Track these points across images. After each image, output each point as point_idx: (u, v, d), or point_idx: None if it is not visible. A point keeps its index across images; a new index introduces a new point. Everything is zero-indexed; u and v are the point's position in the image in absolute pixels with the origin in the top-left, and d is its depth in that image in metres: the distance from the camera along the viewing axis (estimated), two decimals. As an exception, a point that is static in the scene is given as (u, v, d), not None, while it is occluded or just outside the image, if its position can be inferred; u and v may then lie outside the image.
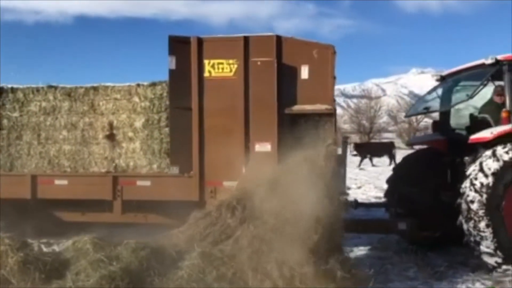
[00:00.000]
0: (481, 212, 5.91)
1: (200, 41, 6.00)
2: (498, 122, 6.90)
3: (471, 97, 6.87)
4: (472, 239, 5.99)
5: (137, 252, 4.54)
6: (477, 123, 7.55)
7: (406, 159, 8.03)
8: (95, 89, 6.28)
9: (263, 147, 5.83)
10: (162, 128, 6.16)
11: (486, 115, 7.27)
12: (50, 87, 6.38)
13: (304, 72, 5.92)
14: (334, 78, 5.93)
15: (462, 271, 5.92)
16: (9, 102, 6.46)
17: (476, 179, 6.03)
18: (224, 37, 6.11)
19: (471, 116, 7.82)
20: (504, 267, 5.87)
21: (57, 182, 6.25)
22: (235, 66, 5.97)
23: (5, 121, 6.48)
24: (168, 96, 6.03)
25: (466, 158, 7.02)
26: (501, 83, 7.06)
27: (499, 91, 7.17)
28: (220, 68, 6.01)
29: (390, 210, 7.68)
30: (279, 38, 5.93)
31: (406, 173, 7.84)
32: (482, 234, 5.86)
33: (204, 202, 6.04)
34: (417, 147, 8.67)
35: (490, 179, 5.90)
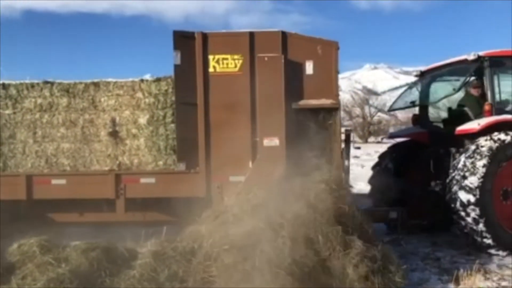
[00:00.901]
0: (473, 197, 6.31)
1: (204, 36, 5.99)
2: (476, 114, 7.38)
3: (457, 90, 7.29)
4: (463, 223, 6.41)
5: (87, 253, 4.53)
6: (455, 116, 8.04)
7: (390, 150, 8.38)
8: (95, 85, 6.08)
9: (272, 141, 5.91)
10: (168, 124, 6.08)
11: (465, 108, 7.73)
12: (46, 82, 6.11)
13: (309, 68, 6.05)
14: (338, 73, 6.12)
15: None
16: (1, 99, 6.13)
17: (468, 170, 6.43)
18: (229, 32, 6.12)
19: (449, 109, 8.31)
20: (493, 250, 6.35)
21: (54, 181, 6.03)
22: (240, 61, 6.00)
23: (-4, 119, 6.16)
24: (174, 91, 5.97)
25: (452, 149, 7.46)
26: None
27: (475, 85, 7.66)
28: (225, 64, 6.02)
29: (376, 197, 7.96)
30: (284, 34, 6.02)
31: (392, 164, 8.21)
32: (474, 217, 6.28)
33: (210, 198, 6.05)
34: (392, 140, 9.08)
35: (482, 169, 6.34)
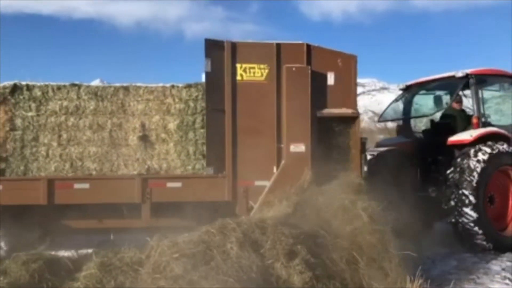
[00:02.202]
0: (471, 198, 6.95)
1: (233, 45, 6.19)
2: (459, 126, 8.14)
3: (450, 105, 8.01)
4: (460, 226, 7.05)
5: (28, 265, 4.37)
6: (438, 127, 8.78)
7: (377, 157, 8.93)
8: (125, 89, 6.06)
9: (298, 147, 6.20)
10: (197, 130, 6.19)
11: (448, 120, 8.48)
12: (73, 85, 6.00)
13: (330, 79, 6.43)
14: (356, 84, 6.55)
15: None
16: (24, 101, 5.94)
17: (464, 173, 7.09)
18: (257, 42, 6.35)
19: (432, 121, 9.04)
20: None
21: (77, 186, 5.92)
22: (266, 71, 6.27)
23: (18, 121, 5.93)
24: (205, 98, 6.10)
25: (439, 157, 8.14)
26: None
27: (457, 99, 8.45)
28: (251, 72, 6.25)
29: None
30: (308, 46, 6.36)
31: (379, 171, 8.76)
32: (471, 217, 6.93)
33: (236, 202, 6.22)
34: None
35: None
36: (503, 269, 6.21)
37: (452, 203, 7.08)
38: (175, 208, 6.20)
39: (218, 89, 6.13)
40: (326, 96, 6.41)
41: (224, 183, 6.17)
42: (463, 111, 8.52)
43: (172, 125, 6.12)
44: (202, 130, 6.18)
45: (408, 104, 9.04)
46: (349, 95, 6.50)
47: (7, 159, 5.92)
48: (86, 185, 5.92)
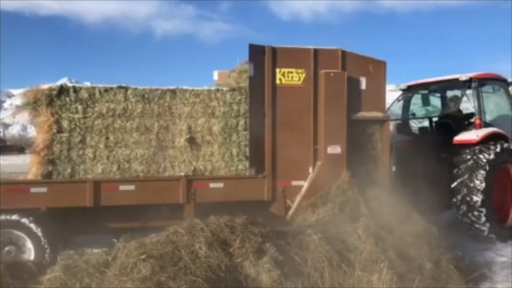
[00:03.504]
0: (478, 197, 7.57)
1: (274, 51, 6.41)
2: (458, 126, 8.77)
3: (457, 106, 8.59)
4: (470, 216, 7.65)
5: None
6: (437, 126, 9.39)
7: None
8: (172, 92, 6.13)
9: (334, 149, 6.53)
10: (240, 132, 6.36)
11: (447, 120, 9.10)
12: (120, 87, 5.99)
13: (363, 83, 6.79)
14: (385, 89, 6.95)
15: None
16: (70, 103, 5.87)
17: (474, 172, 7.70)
18: (295, 48, 6.58)
19: (431, 120, 9.63)
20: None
21: (122, 187, 5.96)
22: (303, 75, 6.53)
23: (65, 123, 5.86)
24: (248, 101, 6.28)
25: (443, 154, 8.73)
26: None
27: (455, 100, 9.07)
28: (289, 77, 6.51)
29: None
30: (343, 52, 6.67)
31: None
32: (479, 209, 7.55)
33: (275, 201, 6.47)
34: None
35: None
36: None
37: (461, 196, 7.67)
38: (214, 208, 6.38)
39: (259, 93, 6.33)
40: (359, 100, 6.76)
41: (264, 183, 6.41)
42: (460, 111, 9.14)
43: (216, 128, 6.27)
44: (244, 132, 6.37)
45: (409, 104, 9.57)
46: (379, 99, 6.89)
47: (53, 162, 5.87)
48: (131, 187, 5.98)
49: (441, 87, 9.20)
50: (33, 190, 5.73)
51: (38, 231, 5.73)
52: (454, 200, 7.83)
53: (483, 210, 7.56)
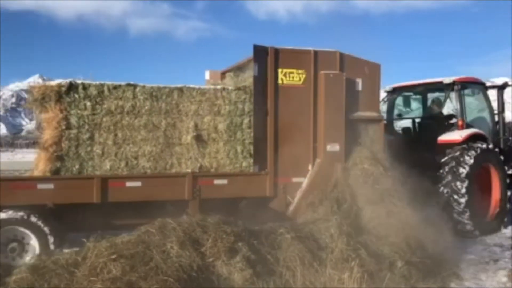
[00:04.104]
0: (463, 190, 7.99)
1: (276, 52, 6.61)
2: (440, 126, 9.21)
3: (442, 107, 9.03)
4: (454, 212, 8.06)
5: None
6: (421, 126, 9.83)
7: None
8: (180, 90, 6.24)
9: (333, 147, 6.79)
10: (244, 130, 6.54)
11: (429, 121, 9.55)
12: (129, 85, 6.04)
13: (359, 85, 7.09)
14: (379, 90, 7.27)
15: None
16: (79, 99, 5.89)
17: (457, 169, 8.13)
18: (296, 49, 6.81)
19: (413, 121, 10.07)
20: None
21: (128, 184, 6.04)
22: (304, 76, 6.77)
23: (73, 120, 5.87)
24: (253, 100, 6.46)
25: (426, 154, 9.13)
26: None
27: (437, 102, 9.53)
28: (291, 77, 6.73)
29: None
30: (341, 54, 6.95)
31: None
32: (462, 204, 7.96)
33: (276, 197, 6.68)
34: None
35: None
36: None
37: (446, 193, 8.08)
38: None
39: (263, 92, 6.53)
40: (356, 100, 7.05)
41: (266, 180, 6.61)
42: (441, 113, 9.60)
43: (222, 126, 6.42)
44: (249, 130, 6.55)
45: (393, 105, 9.98)
46: (374, 99, 7.21)
47: (62, 158, 5.87)
48: (138, 183, 6.06)
49: (425, 89, 9.64)
50: (40, 186, 5.73)
51: (44, 228, 5.74)
52: (439, 196, 8.23)
53: (467, 206, 7.99)
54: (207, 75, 8.46)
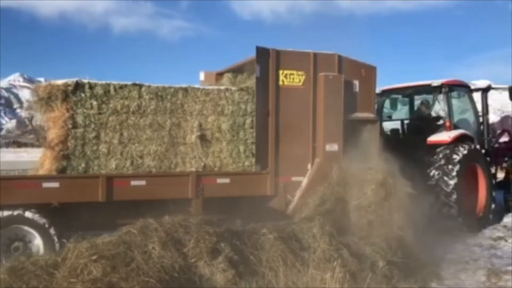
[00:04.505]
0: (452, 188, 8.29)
1: (277, 53, 6.77)
2: (428, 127, 9.53)
3: (430, 109, 9.33)
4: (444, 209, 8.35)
5: None
6: (409, 128, 10.14)
7: None
8: (184, 90, 6.32)
9: (332, 147, 6.98)
10: (247, 130, 6.66)
11: (418, 122, 9.86)
12: (135, 84, 6.09)
13: (356, 86, 7.30)
14: (375, 92, 7.50)
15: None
16: (85, 98, 5.91)
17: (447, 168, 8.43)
18: (296, 51, 6.98)
19: (402, 122, 10.37)
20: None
21: (133, 183, 6.09)
22: (303, 77, 6.95)
23: (80, 119, 5.88)
24: (255, 100, 6.60)
25: (417, 154, 9.41)
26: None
27: (425, 104, 9.86)
28: (291, 78, 6.90)
29: None
30: (339, 57, 7.15)
31: None
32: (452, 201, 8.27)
33: (277, 196, 6.82)
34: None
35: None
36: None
37: (436, 191, 8.37)
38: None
39: (265, 93, 6.67)
40: (353, 101, 7.26)
41: (267, 179, 6.75)
42: (429, 114, 9.93)
43: (225, 125, 6.53)
44: (251, 130, 6.68)
45: (382, 107, 10.25)
46: (370, 101, 7.44)
47: (68, 157, 5.88)
48: (142, 182, 6.11)
49: (413, 92, 9.95)
50: (45, 185, 5.73)
51: (49, 227, 5.74)
52: (427, 194, 8.51)
53: (456, 202, 8.30)
54: (201, 76, 8.55)
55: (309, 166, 7.02)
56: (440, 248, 7.30)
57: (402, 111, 10.31)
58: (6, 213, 5.59)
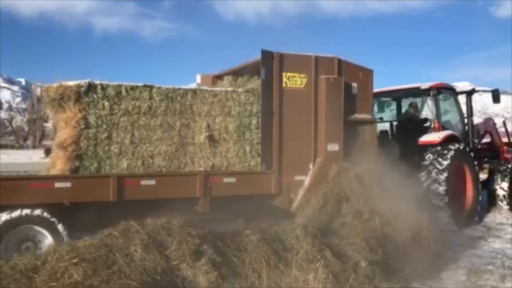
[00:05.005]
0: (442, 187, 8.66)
1: (281, 56, 7.00)
2: (415, 128, 9.92)
3: (420, 111, 9.71)
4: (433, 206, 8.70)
5: None
6: (398, 129, 10.51)
7: None
8: (193, 91, 6.47)
9: (333, 147, 7.24)
10: (253, 131, 6.85)
11: (406, 124, 10.24)
12: (146, 86, 6.21)
13: (354, 89, 7.59)
14: (372, 94, 7.81)
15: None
16: (98, 99, 5.99)
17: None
18: (298, 54, 7.22)
19: (391, 124, 10.73)
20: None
21: (143, 182, 6.20)
22: (305, 79, 7.19)
23: (92, 119, 5.95)
24: (261, 102, 6.80)
25: (407, 154, 9.76)
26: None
27: (413, 106, 10.26)
28: (293, 80, 7.14)
29: None
30: (339, 60, 7.42)
31: None
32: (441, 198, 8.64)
33: (281, 194, 7.04)
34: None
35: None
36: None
37: (426, 189, 8.72)
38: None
39: (269, 95, 6.89)
40: (352, 103, 7.54)
41: (271, 178, 6.96)
42: (417, 116, 10.32)
43: (232, 126, 6.71)
44: (257, 131, 6.88)
45: (381, 109, 10.62)
46: (367, 103, 7.74)
47: (80, 157, 5.95)
48: (152, 182, 6.23)
49: (402, 94, 10.33)
50: (58, 185, 5.80)
51: (60, 227, 5.80)
52: (417, 192, 8.86)
53: (445, 201, 8.67)
54: (198, 79, 8.71)
55: (310, 166, 7.26)
56: (421, 248, 7.34)
57: (391, 113, 10.68)
58: (16, 213, 5.63)
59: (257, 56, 6.98)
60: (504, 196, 10.65)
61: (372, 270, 5.38)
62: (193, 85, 9.03)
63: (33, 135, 31.46)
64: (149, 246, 4.59)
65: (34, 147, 26.36)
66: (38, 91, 33.71)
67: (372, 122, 7.76)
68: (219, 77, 8.53)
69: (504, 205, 10.65)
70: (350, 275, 5.16)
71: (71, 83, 5.93)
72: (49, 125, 35.56)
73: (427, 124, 9.94)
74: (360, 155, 7.45)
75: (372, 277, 5.34)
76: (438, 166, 8.76)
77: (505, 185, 10.66)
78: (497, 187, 10.64)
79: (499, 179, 10.65)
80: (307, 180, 7.17)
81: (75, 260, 4.22)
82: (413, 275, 5.92)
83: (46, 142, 31.41)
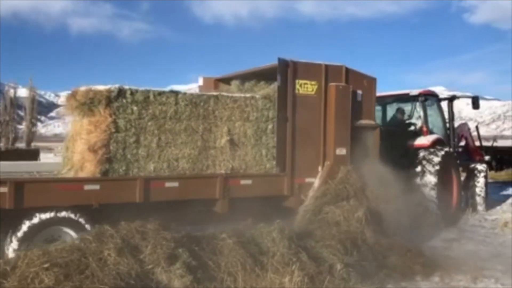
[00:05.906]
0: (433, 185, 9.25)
1: (295, 64, 7.36)
2: (404, 132, 10.51)
3: (411, 116, 10.28)
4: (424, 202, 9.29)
5: None
6: (386, 134, 11.06)
7: None
8: (216, 97, 6.73)
9: (341, 151, 7.67)
10: (269, 135, 7.18)
11: (394, 128, 10.82)
12: (172, 92, 6.43)
13: (359, 96, 8.04)
14: (375, 101, 8.28)
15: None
16: (127, 104, 6.15)
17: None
18: (310, 62, 7.60)
19: (380, 128, 11.24)
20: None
21: (168, 184, 6.43)
22: (316, 86, 7.59)
23: (121, 123, 6.11)
24: (277, 108, 7.13)
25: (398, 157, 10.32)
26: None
27: (401, 111, 10.85)
28: (305, 87, 7.52)
29: None
30: (347, 69, 7.85)
31: None
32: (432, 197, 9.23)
33: (293, 196, 7.40)
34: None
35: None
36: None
37: (417, 185, 9.29)
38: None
39: (284, 101, 7.23)
40: (357, 109, 7.98)
41: (284, 180, 7.32)
42: (404, 121, 10.92)
43: (250, 131, 7.02)
44: (272, 135, 7.21)
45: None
46: (370, 109, 8.20)
47: (110, 160, 6.10)
48: (175, 184, 6.47)
49: (390, 100, 10.89)
50: (87, 187, 5.94)
51: (88, 227, 5.93)
52: (409, 192, 9.43)
53: (435, 197, 9.28)
54: (200, 81, 8.96)
55: (319, 168, 7.66)
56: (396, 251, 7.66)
57: (384, 118, 11.22)
58: (47, 215, 5.74)
59: (262, 63, 7.49)
60: (482, 196, 11.39)
61: (347, 272, 5.47)
62: (194, 87, 9.34)
63: (5, 137, 30.38)
64: (123, 250, 4.58)
65: (7, 149, 25.51)
66: (11, 92, 32.66)
67: (375, 127, 8.23)
68: (221, 80, 8.81)
69: (481, 204, 11.39)
70: (325, 277, 5.23)
71: (101, 87, 6.07)
72: (22, 127, 34.48)
73: (412, 128, 10.55)
74: (364, 159, 7.91)
75: (348, 279, 5.43)
76: (428, 168, 9.35)
77: (482, 184, 11.39)
78: (478, 186, 11.34)
79: (479, 179, 11.37)
80: (316, 182, 7.56)
81: (46, 265, 4.15)
82: (388, 276, 6.02)
83: (20, 145, 30.46)
